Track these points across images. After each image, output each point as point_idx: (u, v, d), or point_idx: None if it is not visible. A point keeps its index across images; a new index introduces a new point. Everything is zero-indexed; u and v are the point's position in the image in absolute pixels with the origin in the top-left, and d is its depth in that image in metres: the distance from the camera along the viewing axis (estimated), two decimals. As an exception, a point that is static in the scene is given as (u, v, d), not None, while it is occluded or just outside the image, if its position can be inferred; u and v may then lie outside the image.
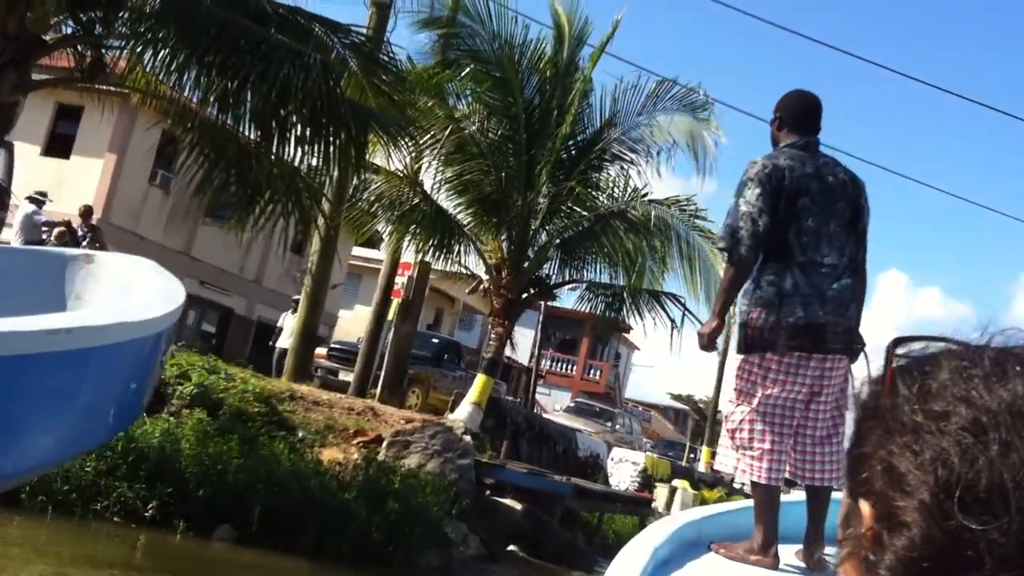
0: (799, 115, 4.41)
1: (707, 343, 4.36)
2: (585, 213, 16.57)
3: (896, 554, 0.73)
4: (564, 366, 45.83)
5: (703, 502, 27.14)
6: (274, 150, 10.88)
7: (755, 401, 4.16)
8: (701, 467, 33.59)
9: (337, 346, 21.73)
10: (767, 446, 4.12)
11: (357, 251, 31.86)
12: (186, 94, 10.98)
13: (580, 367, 45.76)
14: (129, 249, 23.84)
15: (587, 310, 17.13)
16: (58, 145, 23.94)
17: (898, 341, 0.82)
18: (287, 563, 9.71)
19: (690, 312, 16.79)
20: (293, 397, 14.28)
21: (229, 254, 26.45)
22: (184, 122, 11.28)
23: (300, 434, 12.79)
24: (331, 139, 10.68)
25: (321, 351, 21.45)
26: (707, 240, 15.67)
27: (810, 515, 4.15)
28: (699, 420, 66.11)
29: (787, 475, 4.29)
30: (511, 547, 13.56)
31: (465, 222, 16.84)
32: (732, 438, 4.27)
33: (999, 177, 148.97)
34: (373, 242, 27.37)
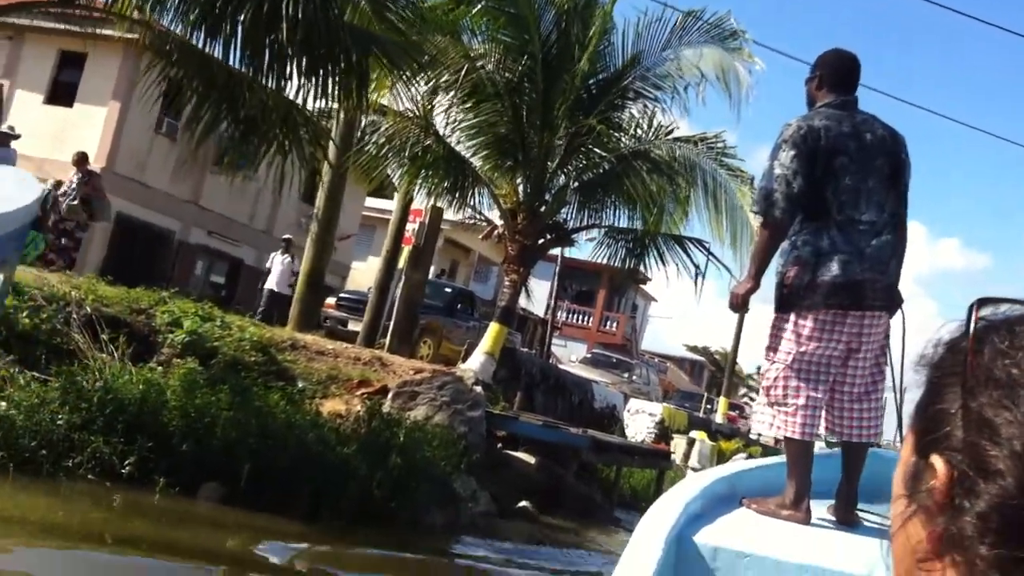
0: (838, 74, 4.33)
1: (740, 303, 4.36)
2: (605, 154, 15.39)
3: (989, 501, 0.74)
4: (580, 318, 44.85)
5: (720, 453, 26.23)
6: (267, 81, 9.83)
7: (790, 358, 4.10)
8: (718, 418, 32.63)
9: (346, 295, 20.73)
10: (801, 401, 4.07)
11: (371, 202, 30.80)
12: (168, 18, 9.90)
13: (596, 319, 44.77)
14: (136, 198, 22.99)
15: (606, 257, 15.97)
16: (61, 93, 22.92)
17: (982, 302, 0.82)
18: (279, 523, 8.74)
19: (714, 257, 15.69)
20: (295, 346, 13.29)
21: (238, 203, 25.49)
22: (166, 51, 10.20)
23: (300, 384, 11.81)
24: (329, 67, 9.60)
25: (330, 300, 20.49)
26: (735, 179, 14.52)
27: (845, 471, 4.10)
28: (715, 371, 65.20)
29: (822, 431, 4.23)
30: (524, 503, 12.58)
31: (479, 165, 15.71)
32: (767, 395, 4.21)
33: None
34: (386, 192, 26.26)
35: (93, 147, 22.14)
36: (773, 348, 4.21)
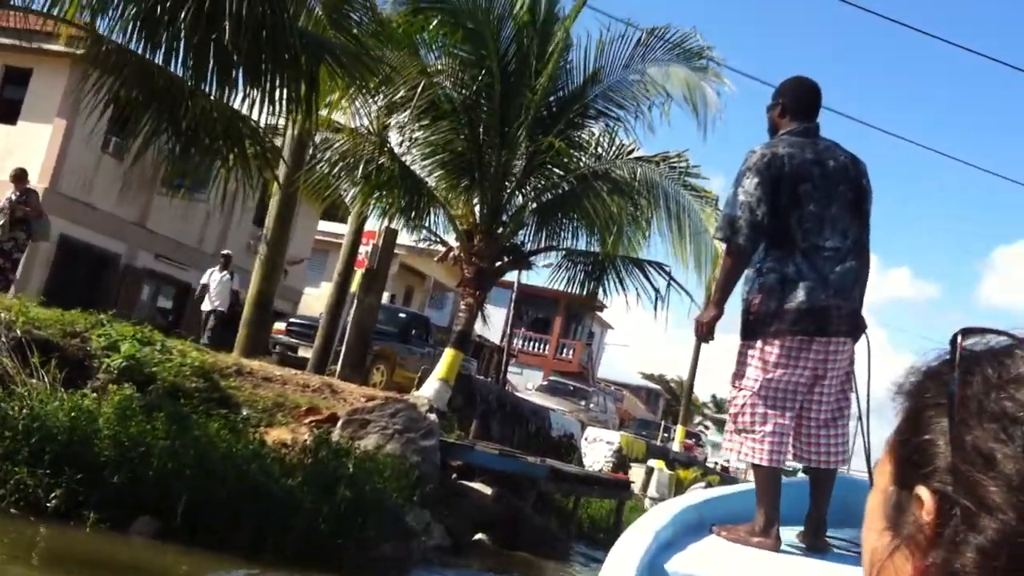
0: (800, 101, 4.34)
1: (705, 332, 4.32)
2: (565, 174, 14.97)
3: (991, 536, 0.73)
4: (536, 345, 44.38)
5: (679, 482, 25.82)
6: (209, 88, 9.28)
7: (757, 385, 4.10)
8: (675, 446, 32.26)
9: (297, 320, 20.10)
10: (769, 428, 4.07)
11: (324, 225, 30.20)
12: (107, 21, 9.33)
13: (553, 346, 44.32)
14: (80, 220, 22.23)
15: (564, 280, 15.50)
16: (4, 110, 22.13)
17: (966, 332, 0.83)
18: (217, 560, 8.14)
19: (675, 281, 15.28)
20: (240, 372, 12.68)
21: (187, 225, 24.78)
22: (104, 58, 9.61)
23: (244, 412, 11.20)
24: (276, 74, 9.07)
25: (279, 326, 19.84)
26: (699, 199, 14.14)
27: (813, 497, 4.10)
28: (671, 400, 64.99)
29: (790, 458, 4.23)
30: (479, 536, 12.05)
31: (434, 185, 15.23)
32: (735, 422, 4.20)
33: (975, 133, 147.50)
34: (340, 215, 25.71)
35: (37, 166, 21.39)
36: (740, 375, 4.19)
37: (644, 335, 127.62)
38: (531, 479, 13.12)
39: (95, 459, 8.22)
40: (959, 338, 0.81)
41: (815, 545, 4.03)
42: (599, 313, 47.65)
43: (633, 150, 14.70)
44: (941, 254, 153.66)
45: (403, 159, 14.60)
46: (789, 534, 4.03)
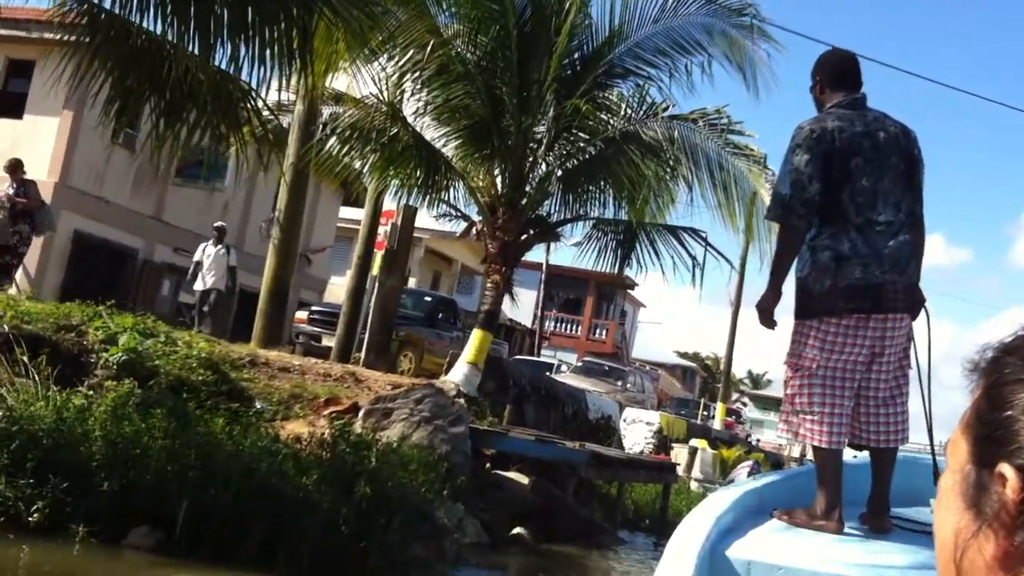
0: (838, 73, 4.25)
1: (766, 319, 4.22)
2: (591, 138, 13.89)
3: None
4: (568, 326, 43.35)
5: (723, 462, 24.77)
6: (192, 47, 8.29)
7: (814, 365, 3.99)
8: (716, 425, 31.19)
9: (319, 308, 19.15)
10: (827, 409, 3.98)
11: (347, 212, 29.24)
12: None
13: (585, 327, 43.28)
14: (94, 215, 21.41)
15: (595, 250, 14.43)
16: (9, 104, 21.29)
17: None
18: (223, 574, 7.19)
19: (713, 248, 14.19)
20: (255, 363, 11.79)
21: (205, 217, 23.83)
22: (81, 24, 8.64)
23: (258, 406, 10.29)
24: (265, 26, 8.08)
25: (302, 315, 18.94)
26: (743, 158, 12.98)
27: (875, 478, 4.02)
28: (706, 377, 63.82)
29: (849, 438, 4.10)
30: (518, 530, 11.07)
31: (452, 155, 14.22)
32: (791, 403, 4.11)
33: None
34: (361, 201, 24.75)
35: (46, 160, 20.60)
36: (796, 355, 4.08)
37: (676, 313, 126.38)
38: (571, 466, 12.13)
39: (85, 464, 7.29)
40: None
41: (879, 526, 3.93)
42: (630, 291, 46.55)
43: (668, 107, 13.56)
44: (972, 219, 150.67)
45: (417, 128, 13.57)
46: (851, 516, 3.95)
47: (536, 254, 36.59)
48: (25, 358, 8.72)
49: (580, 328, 43.32)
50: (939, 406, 4.07)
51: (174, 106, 8.51)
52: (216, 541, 7.29)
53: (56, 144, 20.65)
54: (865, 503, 4.02)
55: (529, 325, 36.13)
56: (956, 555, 0.80)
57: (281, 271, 14.36)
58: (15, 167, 14.15)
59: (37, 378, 8.54)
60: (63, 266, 20.68)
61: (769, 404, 65.72)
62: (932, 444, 4.04)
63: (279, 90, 9.82)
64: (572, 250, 15.39)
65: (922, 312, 4.10)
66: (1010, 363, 0.80)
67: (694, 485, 19.39)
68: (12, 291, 13.57)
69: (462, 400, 11.01)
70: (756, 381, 75.20)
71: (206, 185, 22.50)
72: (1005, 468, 0.76)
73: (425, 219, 15.96)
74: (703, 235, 14.27)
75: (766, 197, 12.32)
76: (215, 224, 17.84)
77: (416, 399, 10.62)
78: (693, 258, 14.04)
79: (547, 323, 38.95)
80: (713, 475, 22.24)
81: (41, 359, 8.74)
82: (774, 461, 28.80)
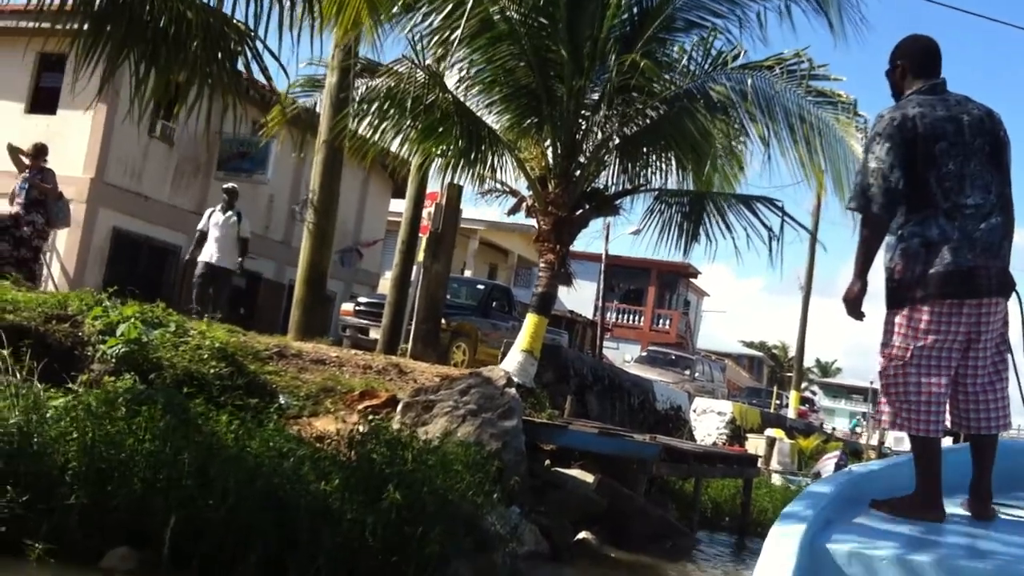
0: (920, 59, 4.16)
1: (853, 310, 4.11)
2: (651, 100, 12.31)
3: None
4: (631, 318, 41.69)
5: (800, 452, 23.05)
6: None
7: (908, 354, 3.91)
8: (791, 413, 29.36)
9: (366, 300, 17.81)
10: (924, 397, 3.88)
11: (397, 205, 27.95)
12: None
13: (648, 318, 41.60)
14: (133, 211, 20.32)
15: (659, 225, 12.83)
16: (43, 100, 20.28)
17: None
18: (217, 604, 5.81)
19: (790, 217, 12.52)
20: (284, 355, 10.45)
21: (251, 212, 22.66)
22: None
23: (281, 400, 8.92)
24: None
25: (348, 307, 17.64)
26: (829, 106, 11.27)
27: (976, 464, 3.94)
28: (774, 366, 61.76)
29: (948, 426, 4.02)
30: (583, 535, 9.57)
31: (498, 125, 12.76)
32: (887, 393, 4.03)
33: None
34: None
35: (80, 156, 19.56)
36: (888, 345, 3.99)
37: (740, 301, 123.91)
38: (641, 461, 10.59)
39: (49, 473, 5.95)
40: None
41: (982, 514, 3.86)
42: (693, 280, 44.78)
43: (739, 55, 11.87)
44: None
45: (457, 95, 12.13)
46: (952, 504, 3.88)
47: (596, 245, 35.12)
48: (6, 352, 7.44)
49: (643, 319, 41.66)
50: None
51: (157, 51, 7.14)
52: (208, 561, 5.90)
53: (91, 139, 19.59)
54: (966, 491, 3.96)
55: (590, 317, 34.52)
56: None
57: (317, 257, 13.03)
58: (40, 152, 13.02)
59: (19, 374, 7.26)
60: (102, 264, 19.62)
61: (839, 392, 63.46)
62: None
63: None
64: (632, 240, 13.89)
65: (1013, 296, 4.00)
66: None
67: (776, 479, 17.71)
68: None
69: (514, 390, 9.53)
70: (825, 369, 72.93)
71: (248, 177, 21.29)
72: None
73: (479, 210, 14.60)
74: (779, 204, 12.62)
75: (857, 148, 10.68)
76: (224, 186, 15.48)
77: (461, 390, 9.18)
78: (769, 229, 12.40)
79: (608, 314, 37.34)
80: (792, 466, 20.60)
81: (25, 352, 7.48)
82: (852, 450, 26.97)
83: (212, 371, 8.49)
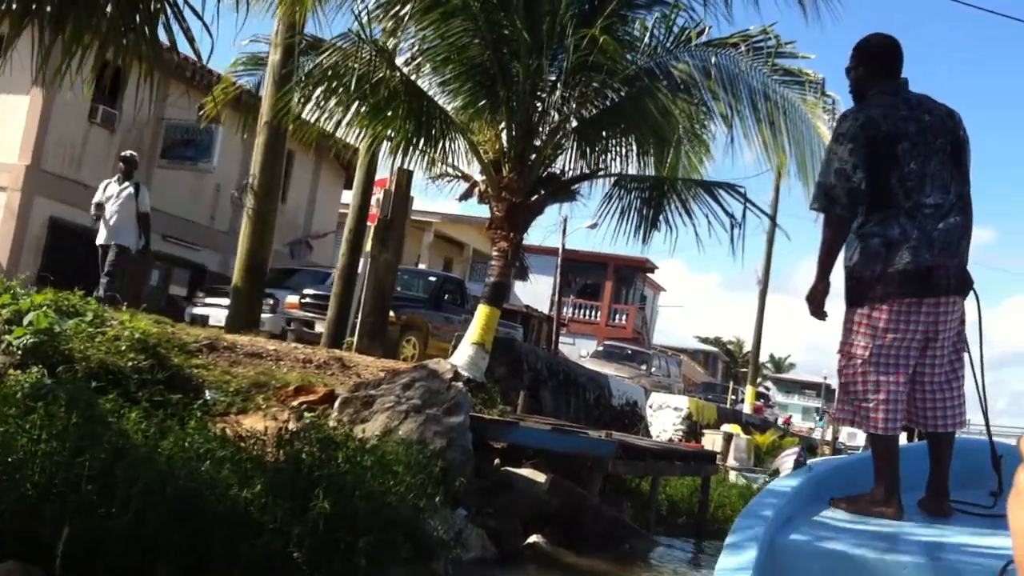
0: (881, 59, 4.14)
1: (816, 310, 4.11)
2: (611, 79, 11.65)
3: None
4: (587, 312, 41.10)
5: (757, 448, 22.56)
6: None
7: (867, 352, 3.92)
8: (746, 408, 28.92)
9: (312, 291, 17.06)
10: (882, 396, 3.89)
11: (348, 196, 27.13)
12: None
13: (604, 313, 41.03)
14: (72, 200, 19.31)
15: (617, 211, 12.17)
16: (-22, 83, 19.36)
17: None
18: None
19: (752, 204, 11.93)
20: (215, 347, 9.67)
21: (196, 202, 21.83)
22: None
23: (208, 396, 8.15)
24: None
25: (292, 299, 16.82)
26: (796, 85, 10.67)
27: (933, 462, 3.97)
28: (728, 362, 61.55)
29: (906, 423, 4.04)
30: (533, 538, 8.89)
31: (450, 106, 12.05)
32: (846, 391, 4.05)
33: None
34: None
35: (16, 142, 18.60)
36: (848, 343, 4.01)
37: (696, 297, 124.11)
38: (596, 459, 9.95)
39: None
40: None
41: (938, 510, 3.86)
42: (650, 275, 44.32)
43: (703, 31, 11.20)
44: (994, 197, 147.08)
45: (408, 74, 11.40)
46: (909, 501, 3.87)
47: (552, 239, 34.47)
48: None
49: (599, 314, 41.09)
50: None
51: (64, 13, 6.34)
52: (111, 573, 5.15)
53: (27, 125, 18.63)
54: (923, 488, 3.96)
55: (546, 312, 33.89)
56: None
57: (257, 244, 12.24)
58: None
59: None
60: (38, 255, 18.68)
61: (792, 388, 63.48)
62: (988, 426, 3.90)
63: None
64: (589, 234, 13.18)
65: (971, 294, 3.97)
66: None
67: (733, 475, 17.16)
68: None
69: (461, 385, 8.83)
70: (779, 365, 72.97)
71: (193, 165, 20.40)
72: None
73: (437, 203, 13.83)
74: (741, 190, 12.02)
75: (823, 130, 10.10)
76: (121, 153, 13.55)
77: (404, 384, 8.47)
78: (731, 216, 11.79)
79: (565, 309, 36.74)
80: (748, 462, 20.09)
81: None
82: (807, 446, 26.57)
83: (130, 364, 7.70)
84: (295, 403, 8.53)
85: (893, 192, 3.88)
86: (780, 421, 36.54)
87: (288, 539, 5.74)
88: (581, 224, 32.66)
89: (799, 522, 3.41)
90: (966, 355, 4.03)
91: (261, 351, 10.43)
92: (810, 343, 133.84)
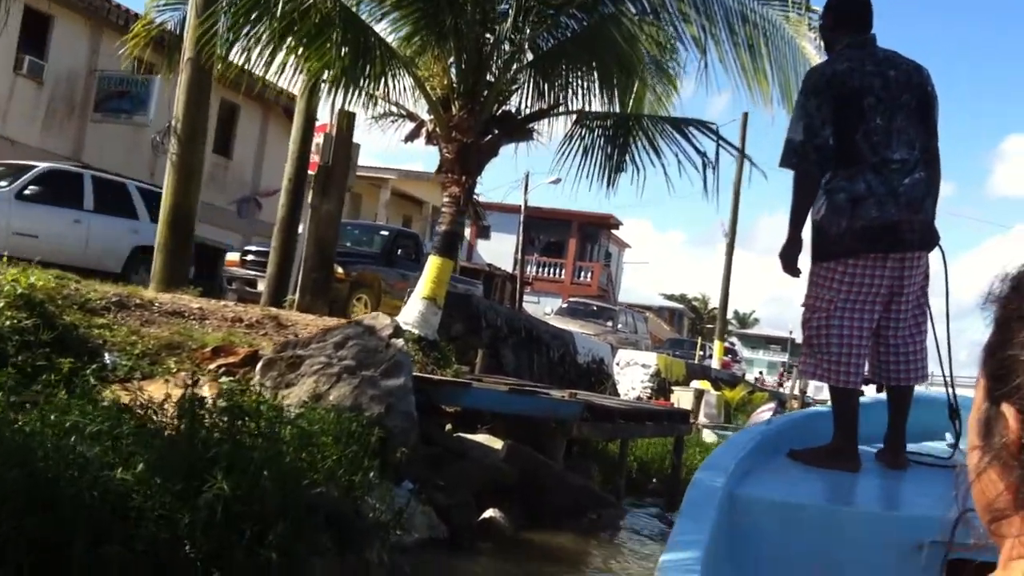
0: (850, 14, 4.11)
1: (789, 266, 4.06)
2: (569, 4, 10.49)
3: None
4: (551, 271, 40.07)
5: (727, 404, 21.69)
6: None
7: (831, 306, 3.91)
8: (715, 364, 28.04)
9: (254, 248, 15.79)
10: (844, 349, 3.89)
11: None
12: None
13: (569, 270, 40.02)
14: (-2, 156, 17.89)
15: (580, 150, 11.03)
16: None
17: None
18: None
19: (725, 142, 10.88)
20: (124, 305, 8.48)
21: (133, 156, 20.40)
22: None
23: (107, 359, 6.97)
24: None
25: (233, 257, 15.60)
26: (777, 3, 9.52)
27: (891, 416, 3.94)
28: (694, 319, 60.91)
29: (867, 376, 4.05)
30: (490, 512, 7.80)
31: (393, 37, 10.84)
32: (809, 344, 4.05)
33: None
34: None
35: (-68, 96, 17.17)
36: (813, 296, 3.98)
37: (661, 255, 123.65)
38: (559, 421, 8.87)
39: None
40: None
41: (895, 463, 3.84)
42: (615, 231, 43.32)
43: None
44: (952, 151, 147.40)
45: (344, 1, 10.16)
46: (868, 454, 3.86)
47: (514, 195, 33.32)
48: None
49: (564, 272, 40.04)
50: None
51: None
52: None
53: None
54: (881, 440, 3.92)
55: (510, 271, 32.82)
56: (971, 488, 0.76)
57: (182, 194, 10.98)
58: None
59: None
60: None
61: (758, 343, 62.95)
62: (950, 380, 3.80)
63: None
64: (552, 191, 12.00)
65: (937, 250, 3.93)
66: (1015, 298, 0.75)
67: (707, 434, 16.21)
68: None
69: (401, 342, 7.69)
70: (743, 320, 72.53)
71: (128, 119, 19.02)
72: (1007, 408, 0.73)
73: (391, 156, 12.62)
74: (713, 127, 10.94)
75: (809, 50, 9.01)
76: None
77: (336, 343, 7.33)
78: (703, 156, 10.71)
79: (528, 268, 35.68)
80: (719, 418, 19.22)
81: None
82: (778, 400, 25.81)
83: (9, 323, 6.51)
84: (212, 366, 7.39)
85: (859, 147, 3.84)
86: (753, 379, 35.78)
87: (176, 529, 4.63)
88: (544, 180, 31.59)
89: (758, 474, 3.39)
90: (928, 310, 4.01)
91: (183, 309, 9.27)
92: (772, 296, 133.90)
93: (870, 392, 4.42)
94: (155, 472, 4.86)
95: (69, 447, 4.74)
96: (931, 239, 3.94)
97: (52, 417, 4.97)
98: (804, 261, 4.08)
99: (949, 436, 3.95)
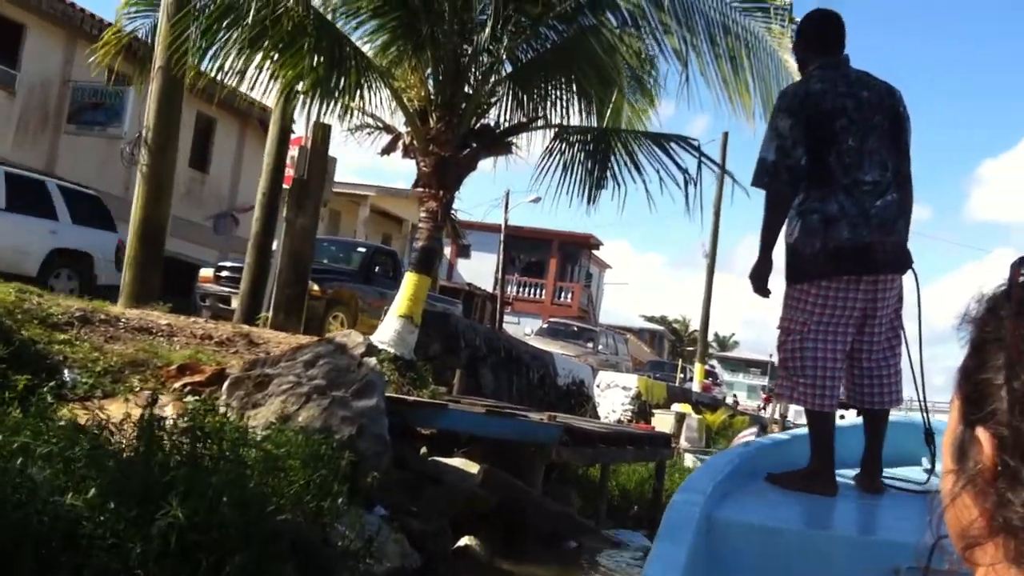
0: (824, 35, 4.12)
1: (759, 287, 4.05)
2: (548, 13, 10.29)
3: None
4: (532, 291, 39.82)
5: (708, 427, 21.47)
6: None
7: (805, 329, 3.90)
8: (695, 387, 27.84)
9: (228, 264, 15.49)
10: (819, 372, 3.88)
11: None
12: None
13: (549, 291, 39.78)
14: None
15: (559, 165, 10.81)
16: None
17: (1022, 262, 0.74)
18: None
19: (707, 158, 10.69)
20: (88, 320, 8.18)
21: (107, 169, 20.05)
22: None
23: (66, 377, 6.67)
24: None
25: (207, 273, 15.29)
26: (759, 12, 9.35)
27: (868, 439, 3.94)
28: (674, 341, 60.76)
29: (843, 400, 4.02)
30: (465, 540, 7.53)
31: (369, 47, 10.61)
32: (785, 367, 4.04)
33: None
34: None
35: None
36: (788, 319, 3.98)
37: (641, 277, 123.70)
38: (538, 445, 8.61)
39: None
40: (1016, 269, 0.72)
41: (871, 487, 3.82)
42: (595, 252, 43.17)
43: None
44: (929, 176, 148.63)
45: (317, 7, 9.92)
46: (845, 478, 3.87)
47: (495, 214, 33.13)
48: None
49: (544, 292, 39.82)
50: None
51: None
52: None
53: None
54: (857, 464, 3.93)
55: (490, 290, 32.59)
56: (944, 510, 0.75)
57: (152, 207, 10.71)
58: None
59: None
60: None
61: (738, 366, 62.81)
62: (924, 405, 3.81)
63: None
64: (532, 210, 11.81)
65: (910, 272, 3.93)
66: (991, 320, 0.74)
67: (688, 459, 15.97)
68: None
69: (374, 361, 7.43)
70: (723, 343, 72.43)
71: (103, 131, 18.70)
72: (981, 433, 0.72)
73: (371, 172, 12.37)
74: (695, 143, 10.75)
75: (791, 63, 8.84)
76: None
77: (306, 362, 7.05)
78: (685, 172, 10.51)
79: (509, 287, 35.45)
80: (700, 442, 18.96)
81: None
82: (760, 424, 25.63)
83: (-40, 338, 6.22)
84: (177, 385, 7.10)
85: (832, 169, 3.84)
86: (732, 401, 35.61)
87: (128, 559, 4.34)
88: (524, 198, 31.40)
89: (736, 497, 3.40)
90: (902, 333, 4.00)
91: (151, 326, 8.97)
92: (749, 319, 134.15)
93: (851, 416, 4.43)
94: (108, 497, 4.59)
95: (16, 470, 4.44)
96: (904, 261, 3.93)
97: (0, 437, 4.67)
98: (776, 282, 4.07)
99: (925, 460, 3.95)
